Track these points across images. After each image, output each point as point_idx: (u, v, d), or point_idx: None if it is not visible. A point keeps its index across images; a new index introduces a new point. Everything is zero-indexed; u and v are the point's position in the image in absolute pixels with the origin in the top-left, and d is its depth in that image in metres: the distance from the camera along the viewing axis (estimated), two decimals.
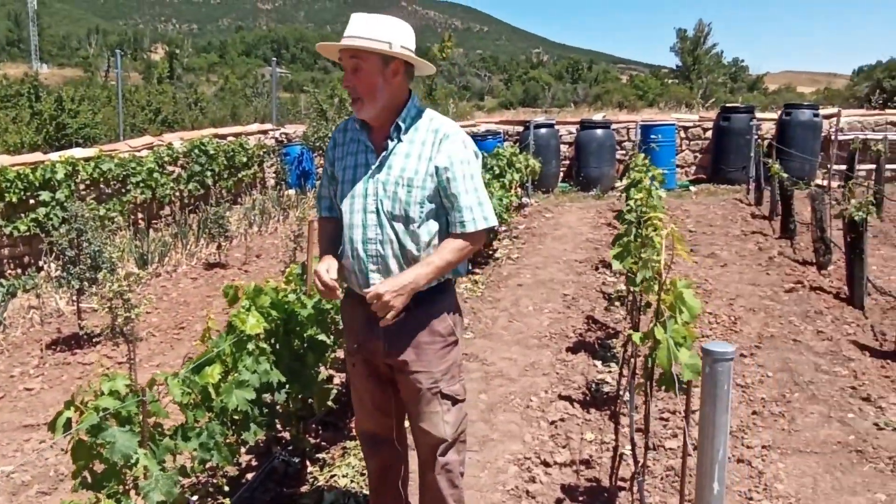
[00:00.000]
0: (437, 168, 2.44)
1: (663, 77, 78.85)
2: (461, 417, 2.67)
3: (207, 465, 2.88)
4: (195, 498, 3.11)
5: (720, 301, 6.41)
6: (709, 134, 13.32)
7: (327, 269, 2.52)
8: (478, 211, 2.50)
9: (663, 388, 3.25)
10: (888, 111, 14.97)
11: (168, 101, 28.73)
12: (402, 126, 2.48)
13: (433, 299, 2.55)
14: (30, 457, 4.35)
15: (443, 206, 2.50)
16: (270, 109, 16.46)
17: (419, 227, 2.46)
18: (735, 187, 12.15)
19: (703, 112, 16.54)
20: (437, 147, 2.46)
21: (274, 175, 13.19)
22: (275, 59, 22.02)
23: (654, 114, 19.75)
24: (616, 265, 4.02)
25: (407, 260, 2.48)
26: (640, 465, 3.43)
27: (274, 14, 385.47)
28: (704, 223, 9.59)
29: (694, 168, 13.52)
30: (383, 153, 2.48)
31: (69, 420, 2.27)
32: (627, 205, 4.85)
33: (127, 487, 2.35)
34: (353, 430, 4.06)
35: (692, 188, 12.58)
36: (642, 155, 5.90)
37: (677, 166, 13.18)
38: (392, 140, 2.48)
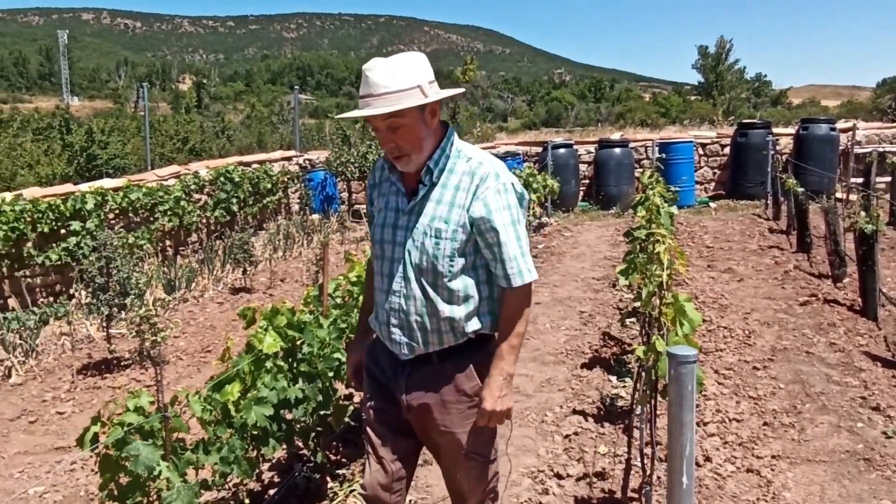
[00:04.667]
0: (472, 219, 2.19)
1: (686, 94, 78.85)
2: (490, 475, 2.44)
3: (228, 479, 3.02)
4: None
5: (735, 315, 6.46)
6: (727, 150, 13.37)
7: (355, 370, 2.57)
8: (522, 263, 2.23)
9: (667, 399, 3.36)
10: None
11: (196, 129, 29.38)
12: (434, 170, 2.23)
13: (462, 354, 2.31)
14: (61, 477, 4.52)
15: (481, 257, 2.26)
16: (295, 135, 16.78)
17: (450, 281, 2.22)
18: (754, 203, 12.16)
19: (721, 129, 16.57)
20: (473, 193, 2.20)
21: (298, 200, 13.45)
22: (297, 86, 22.42)
23: (677, 131, 19.82)
24: (622, 281, 4.13)
25: (433, 319, 2.24)
26: (647, 475, 3.51)
27: (298, 42, 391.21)
28: (722, 239, 9.63)
29: (713, 184, 13.56)
30: (413, 197, 2.25)
31: (96, 435, 2.43)
32: (637, 222, 4.96)
33: (151, 499, 2.49)
34: None
35: (711, 204, 12.62)
36: (649, 172, 5.99)
37: (696, 183, 13.23)
38: (423, 184, 2.23)
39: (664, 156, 11.97)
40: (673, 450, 1.49)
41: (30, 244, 7.96)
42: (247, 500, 3.34)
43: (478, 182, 2.20)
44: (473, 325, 2.28)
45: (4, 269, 7.65)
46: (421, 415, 2.33)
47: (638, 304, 6.23)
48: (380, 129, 2.18)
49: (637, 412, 4.46)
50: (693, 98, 73.27)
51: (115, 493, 2.44)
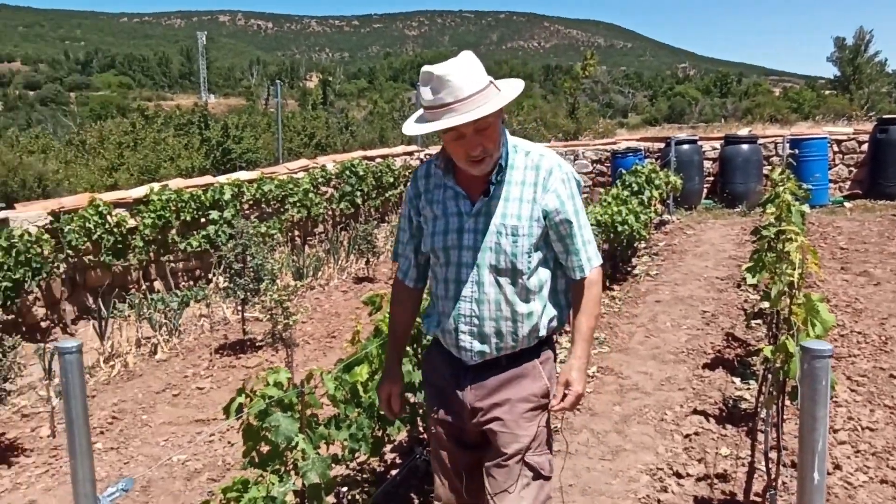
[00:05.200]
0: (545, 212, 2.18)
1: (820, 89, 74.49)
2: (542, 497, 2.26)
3: (356, 456, 3.18)
4: (345, 489, 3.43)
5: (871, 320, 6.12)
6: (865, 147, 12.59)
7: (389, 396, 2.42)
8: (592, 249, 2.27)
9: (794, 401, 3.26)
10: None
11: (321, 125, 30.45)
12: (505, 167, 2.20)
13: (530, 354, 2.28)
14: (201, 447, 4.87)
15: (550, 250, 2.26)
16: None
17: (528, 279, 2.20)
18: (894, 203, 11.41)
19: (859, 124, 15.61)
20: (543, 186, 2.19)
21: None
22: (418, 83, 22.81)
23: (809, 127, 18.84)
24: (749, 279, 4.03)
25: (509, 321, 2.20)
26: (772, 478, 3.42)
27: (420, 39, 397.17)
28: (857, 240, 9.11)
29: (849, 183, 12.81)
30: (481, 198, 2.19)
31: (241, 405, 2.63)
32: (765, 219, 4.80)
33: (287, 468, 2.67)
34: None
35: (847, 204, 11.93)
36: (780, 169, 5.77)
37: (830, 181, 12.54)
38: (493, 183, 2.18)
39: (796, 152, 11.44)
40: (805, 445, 1.47)
41: (174, 231, 8.54)
42: (371, 479, 3.50)
43: (545, 175, 2.19)
44: (547, 322, 2.25)
45: (151, 254, 8.25)
46: (487, 421, 2.24)
47: (765, 304, 6.03)
48: (465, 133, 2.07)
49: (762, 415, 4.34)
50: (827, 93, 69.11)
51: (256, 460, 2.63)
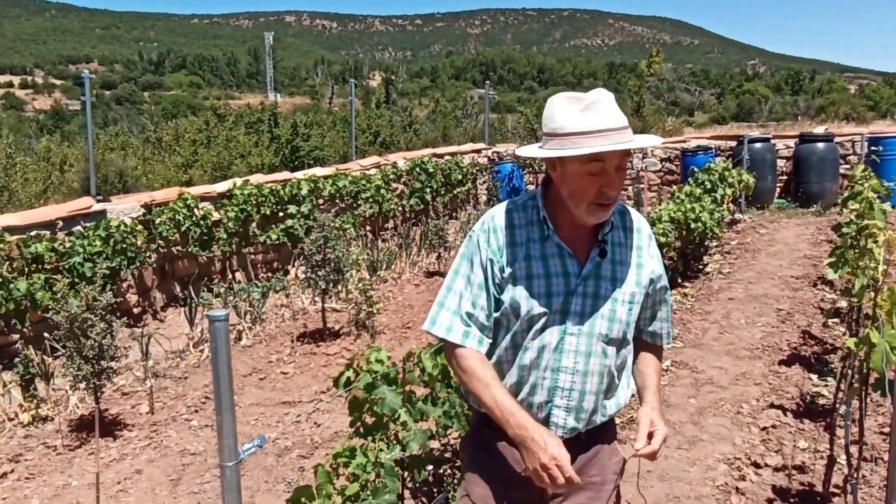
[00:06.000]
0: (651, 279, 2.04)
1: None
2: None
3: (448, 432, 3.37)
4: (429, 467, 3.62)
5: None
6: None
7: (560, 455, 1.80)
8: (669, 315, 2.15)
9: (878, 392, 3.32)
10: None
11: (385, 124, 30.88)
12: (615, 224, 2.00)
13: (605, 429, 2.07)
14: (289, 427, 5.13)
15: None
16: (480, 130, 17.31)
17: (628, 349, 2.06)
18: None
19: None
20: (648, 249, 2.05)
21: (486, 191, 13.91)
22: (487, 81, 22.98)
23: (888, 125, 18.29)
24: (831, 274, 4.06)
25: (606, 394, 2.01)
26: (853, 469, 3.47)
27: (482, 38, 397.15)
28: None
29: None
30: (593, 258, 1.95)
31: (349, 379, 2.83)
32: (845, 217, 4.81)
33: (390, 438, 2.87)
34: None
35: None
36: (862, 166, 5.73)
37: None
38: (606, 242, 1.97)
39: (879, 148, 11.19)
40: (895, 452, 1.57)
41: (254, 224, 8.91)
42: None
43: (647, 238, 2.06)
44: (629, 397, 2.10)
45: (234, 246, 8.63)
46: (567, 501, 2.02)
47: (843, 303, 6.00)
48: (608, 168, 1.84)
49: (841, 410, 4.36)
50: None
51: (361, 430, 2.83)
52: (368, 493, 2.41)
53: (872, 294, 3.41)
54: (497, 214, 1.99)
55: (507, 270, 1.93)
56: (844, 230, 4.66)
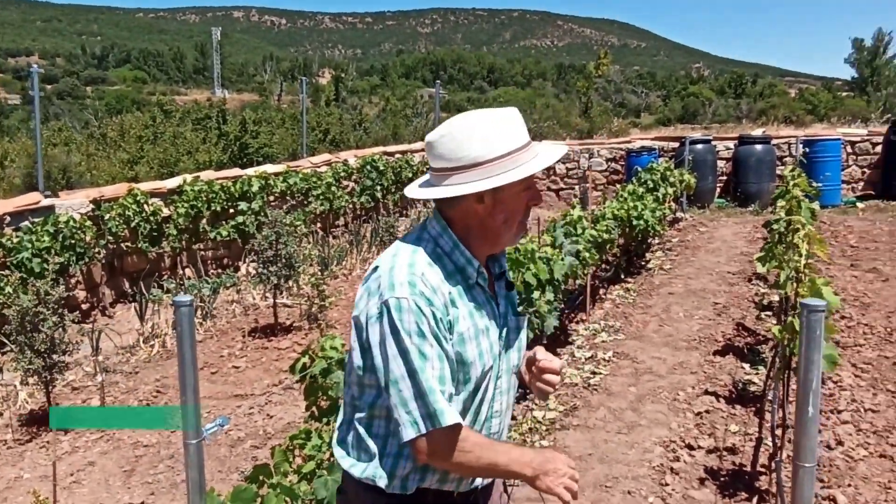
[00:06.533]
0: None
1: (836, 90, 74.32)
2: None
3: None
4: None
5: (877, 313, 6.41)
6: (878, 149, 12.83)
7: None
8: None
9: (798, 341, 3.57)
10: None
11: (335, 122, 30.78)
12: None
13: None
14: (241, 419, 5.20)
15: None
16: (431, 129, 17.46)
17: None
18: None
19: (874, 126, 15.84)
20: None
21: None
22: (437, 81, 23.15)
23: (823, 129, 19.03)
24: (760, 268, 4.33)
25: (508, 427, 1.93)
26: (778, 448, 3.72)
27: (433, 37, 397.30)
28: (868, 239, 9.38)
29: (862, 184, 13.05)
30: (500, 293, 1.85)
31: (304, 365, 2.95)
32: (775, 214, 5.10)
33: None
34: None
35: (859, 204, 12.17)
36: (792, 167, 6.06)
37: (843, 182, 12.77)
38: (503, 275, 1.88)
39: (807, 150, 11.70)
40: (802, 385, 1.76)
41: (204, 220, 8.89)
42: None
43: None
44: None
45: (184, 242, 8.60)
46: None
47: (776, 296, 6.32)
48: (532, 186, 1.74)
49: (769, 396, 4.64)
50: (844, 95, 69.01)
51: (316, 413, 2.95)
52: (324, 469, 2.53)
53: (795, 284, 3.67)
54: (425, 271, 1.65)
55: (457, 331, 1.66)
56: (774, 227, 4.95)
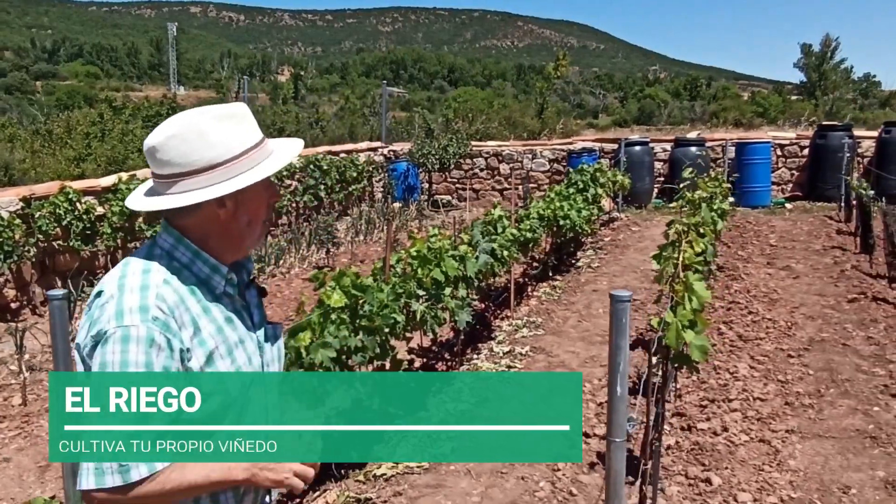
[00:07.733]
0: None
1: (787, 94, 76.16)
2: None
3: None
4: None
5: (783, 309, 6.75)
6: (806, 152, 13.34)
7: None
8: None
9: (676, 365, 3.84)
10: None
11: (292, 120, 30.72)
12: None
13: None
14: None
15: None
16: (388, 128, 17.60)
17: None
18: (831, 205, 12.14)
19: (801, 130, 16.44)
20: None
21: (381, 189, 14.23)
22: (384, 80, 23.25)
23: (771, 130, 19.66)
24: (654, 265, 4.58)
25: None
26: (652, 430, 3.97)
27: (393, 36, 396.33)
28: (788, 238, 9.79)
29: (790, 185, 13.56)
30: (252, 301, 1.72)
31: None
32: (677, 215, 5.37)
33: None
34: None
35: (787, 205, 12.66)
36: (689, 169, 6.36)
37: (773, 184, 13.27)
38: (253, 280, 1.75)
39: (744, 155, 12.12)
40: (611, 365, 1.97)
41: (140, 219, 8.92)
42: None
43: None
44: None
45: (119, 241, 8.62)
46: None
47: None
48: (272, 184, 1.65)
49: (658, 383, 4.91)
50: (794, 98, 70.77)
51: None
52: None
53: (674, 281, 3.91)
54: (161, 291, 1.47)
55: (203, 352, 1.50)
56: (669, 229, 5.22)
